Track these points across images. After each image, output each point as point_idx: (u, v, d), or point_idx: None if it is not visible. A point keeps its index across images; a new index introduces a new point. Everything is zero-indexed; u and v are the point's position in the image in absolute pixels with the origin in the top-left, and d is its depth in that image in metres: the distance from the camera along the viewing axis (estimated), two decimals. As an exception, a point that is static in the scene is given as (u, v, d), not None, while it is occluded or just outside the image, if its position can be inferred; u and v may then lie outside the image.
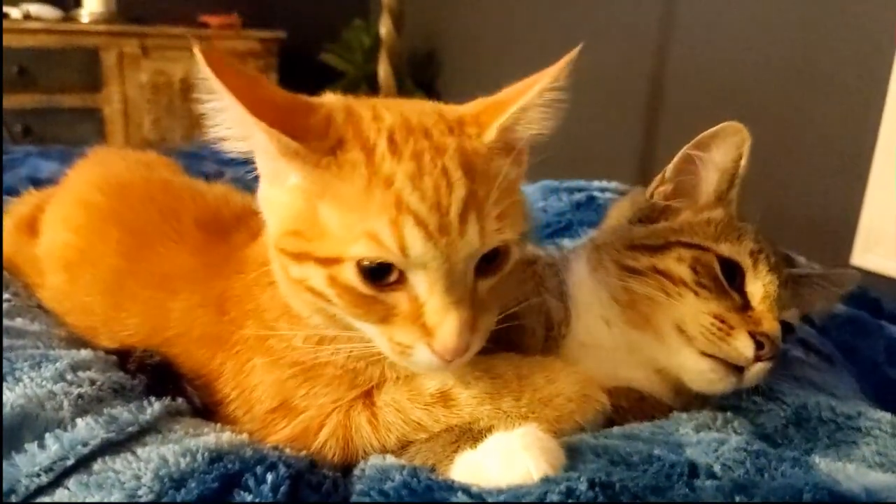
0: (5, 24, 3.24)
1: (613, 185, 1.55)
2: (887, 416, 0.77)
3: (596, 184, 1.54)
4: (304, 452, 0.65)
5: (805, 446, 0.73)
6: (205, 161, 1.86)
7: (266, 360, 0.68)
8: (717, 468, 0.58)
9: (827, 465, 0.61)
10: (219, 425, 0.68)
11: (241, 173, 0.65)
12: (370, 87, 3.70)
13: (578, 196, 1.44)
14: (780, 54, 2.08)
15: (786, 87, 2.07)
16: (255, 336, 0.68)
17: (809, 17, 2.00)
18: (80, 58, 3.49)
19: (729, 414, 0.73)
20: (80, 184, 0.87)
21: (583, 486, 0.49)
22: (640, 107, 2.55)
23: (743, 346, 0.71)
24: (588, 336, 0.79)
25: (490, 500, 0.50)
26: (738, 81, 2.19)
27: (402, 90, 3.93)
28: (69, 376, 0.65)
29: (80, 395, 0.63)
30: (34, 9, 3.32)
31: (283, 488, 0.55)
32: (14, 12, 3.28)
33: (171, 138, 3.66)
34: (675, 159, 0.83)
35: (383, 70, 3.02)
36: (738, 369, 0.72)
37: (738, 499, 0.51)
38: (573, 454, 0.59)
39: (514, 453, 0.56)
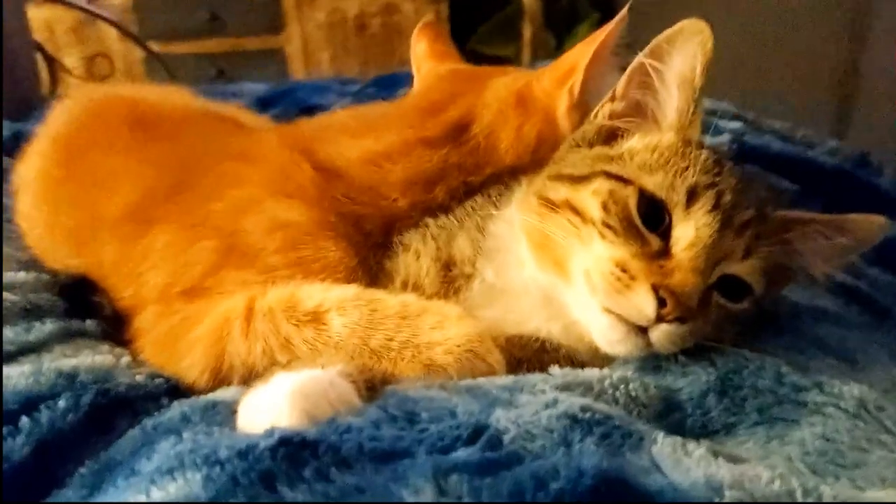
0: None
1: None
2: (856, 390, 0.61)
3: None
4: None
5: (725, 420, 0.60)
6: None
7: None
8: (507, 436, 0.49)
9: (667, 450, 0.49)
10: (102, 349, 0.70)
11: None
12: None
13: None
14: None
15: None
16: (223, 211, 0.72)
17: None
18: (263, 1, 3.72)
19: (629, 374, 0.61)
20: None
21: (266, 443, 0.43)
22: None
23: (641, 302, 0.60)
24: (498, 278, 0.71)
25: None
26: None
27: (575, 12, 3.72)
28: None
29: None
30: (223, -45, 3.57)
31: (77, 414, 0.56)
32: (205, -41, 3.55)
33: (348, 73, 3.83)
34: (628, 70, 0.70)
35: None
36: (643, 330, 0.61)
37: (478, 483, 0.42)
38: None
39: (279, 392, 0.51)
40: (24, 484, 0.50)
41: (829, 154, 1.26)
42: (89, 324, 0.75)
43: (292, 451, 0.43)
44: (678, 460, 0.48)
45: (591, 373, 0.62)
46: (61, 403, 0.56)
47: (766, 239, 0.65)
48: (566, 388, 0.59)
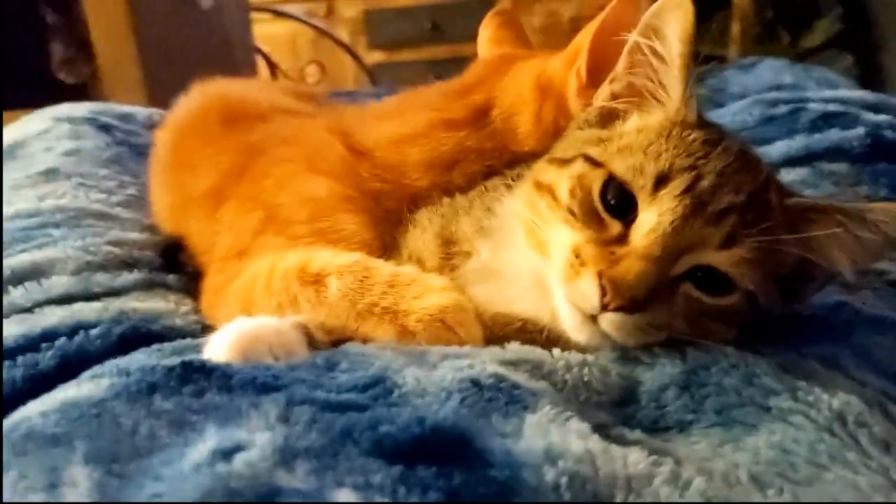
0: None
1: (857, 94, 1.21)
2: (837, 402, 0.54)
3: (829, 93, 1.23)
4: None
5: (680, 417, 0.57)
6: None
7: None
8: (399, 389, 0.51)
9: (540, 419, 0.49)
10: (170, 298, 0.84)
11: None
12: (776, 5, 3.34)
13: (777, 109, 1.17)
14: None
15: None
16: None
17: None
18: (481, 8, 3.89)
19: (590, 359, 0.61)
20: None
21: (168, 363, 0.51)
22: None
23: (586, 289, 0.59)
24: (494, 258, 0.73)
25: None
26: None
27: (815, 7, 3.41)
28: (92, 248, 0.88)
29: (87, 262, 0.86)
30: (444, -34, 3.80)
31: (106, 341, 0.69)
32: (428, -28, 3.82)
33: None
34: (625, 50, 0.68)
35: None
36: (594, 318, 0.60)
37: (319, 416, 0.46)
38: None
39: (228, 332, 0.59)
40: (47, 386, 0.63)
41: None
42: (171, 278, 0.89)
43: (187, 372, 0.50)
44: (544, 429, 0.48)
45: (548, 354, 0.62)
46: (94, 331, 0.69)
47: (761, 228, 0.60)
48: (511, 363, 0.59)
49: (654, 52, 0.65)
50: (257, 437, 0.42)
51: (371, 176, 0.80)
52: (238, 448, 0.41)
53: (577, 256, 0.60)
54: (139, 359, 0.58)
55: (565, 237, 0.63)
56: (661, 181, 0.60)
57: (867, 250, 0.61)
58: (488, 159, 0.80)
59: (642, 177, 0.60)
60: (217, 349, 0.58)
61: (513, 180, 0.77)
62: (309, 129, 0.87)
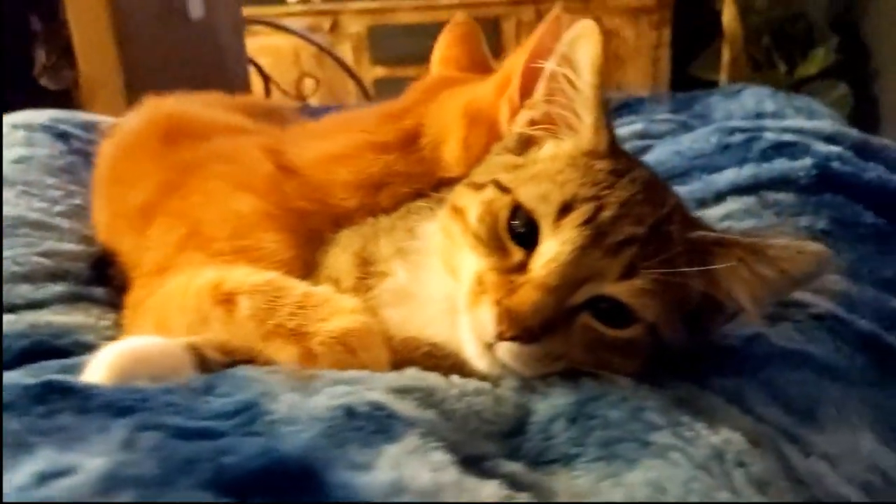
0: (428, 3, 3.84)
1: (814, 124, 1.19)
2: (719, 438, 0.53)
3: (787, 123, 1.21)
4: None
5: (567, 450, 0.55)
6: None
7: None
8: (268, 417, 0.50)
9: (399, 451, 0.48)
10: (93, 312, 0.83)
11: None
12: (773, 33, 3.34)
13: (733, 138, 1.15)
14: None
15: None
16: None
17: None
18: (485, 29, 3.91)
19: (486, 388, 0.60)
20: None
21: (29, 382, 0.50)
22: None
23: (483, 317, 0.59)
24: (410, 280, 0.71)
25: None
26: None
27: (810, 36, 3.41)
28: (21, 259, 0.87)
29: (12, 273, 0.85)
30: (447, -13, 3.80)
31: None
32: (430, -9, 3.82)
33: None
34: (542, 77, 0.68)
35: (728, 14, 2.70)
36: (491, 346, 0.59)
37: (163, 444, 0.45)
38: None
39: (109, 353, 0.58)
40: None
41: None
42: (99, 291, 0.88)
43: (45, 392, 0.49)
44: (398, 461, 0.47)
45: (446, 381, 0.61)
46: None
47: (661, 259, 0.59)
48: (402, 390, 0.58)
49: (568, 81, 0.64)
50: (88, 463, 0.41)
51: (297, 194, 0.79)
52: (64, 473, 0.40)
53: (480, 284, 0.59)
54: (9, 377, 0.57)
55: (472, 263, 0.62)
56: (564, 210, 0.59)
57: (768, 286, 0.60)
58: (417, 183, 0.79)
59: (547, 205, 0.60)
60: (95, 370, 0.57)
61: (436, 203, 0.76)
62: (244, 147, 0.86)
